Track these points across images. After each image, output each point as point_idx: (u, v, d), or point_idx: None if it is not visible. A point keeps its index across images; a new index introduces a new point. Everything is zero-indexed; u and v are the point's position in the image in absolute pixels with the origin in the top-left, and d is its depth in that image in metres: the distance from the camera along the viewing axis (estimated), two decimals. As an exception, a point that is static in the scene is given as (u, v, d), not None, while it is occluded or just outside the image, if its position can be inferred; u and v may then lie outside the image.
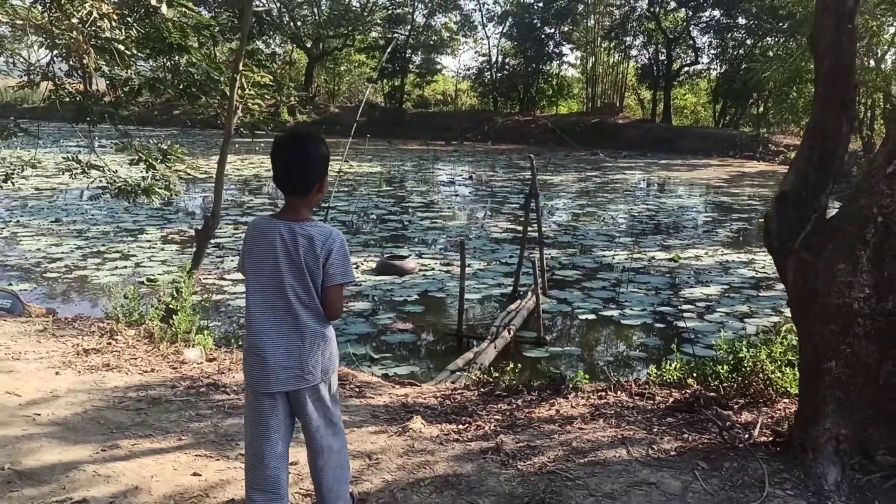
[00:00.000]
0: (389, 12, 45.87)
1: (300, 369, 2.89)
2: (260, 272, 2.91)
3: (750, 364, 4.97)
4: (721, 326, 8.93)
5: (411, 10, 46.40)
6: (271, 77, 7.41)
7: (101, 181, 7.40)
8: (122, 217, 15.73)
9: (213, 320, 8.35)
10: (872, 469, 3.46)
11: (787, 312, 9.38)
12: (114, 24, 6.60)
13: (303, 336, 2.89)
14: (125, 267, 11.38)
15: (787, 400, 4.71)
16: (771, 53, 27.75)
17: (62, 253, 12.20)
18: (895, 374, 3.48)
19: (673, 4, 41.85)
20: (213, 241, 9.80)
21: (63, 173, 7.55)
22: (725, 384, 4.96)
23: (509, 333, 8.33)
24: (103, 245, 12.86)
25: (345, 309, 6.74)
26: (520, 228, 14.14)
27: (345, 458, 3.12)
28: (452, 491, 3.45)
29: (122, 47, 6.71)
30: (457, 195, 22.18)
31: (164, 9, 6.73)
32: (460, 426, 4.31)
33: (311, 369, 2.90)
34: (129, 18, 6.87)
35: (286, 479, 3.02)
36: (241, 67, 6.87)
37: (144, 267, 11.38)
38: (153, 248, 12.85)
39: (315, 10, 45.10)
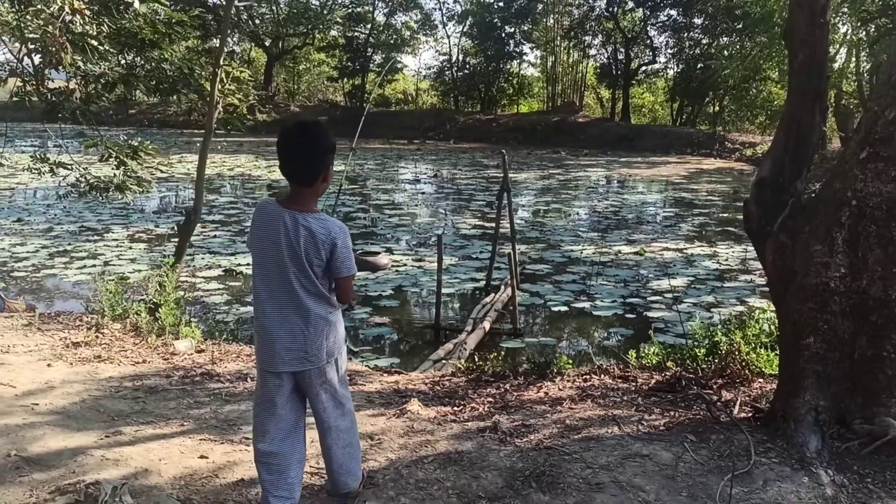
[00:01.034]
0: (349, 10, 45.81)
1: (304, 351, 2.99)
2: (264, 258, 3.00)
3: (725, 347, 5.18)
4: (690, 316, 9.18)
5: (371, 9, 46.41)
6: (250, 73, 7.44)
7: (71, 178, 7.32)
8: (86, 216, 15.51)
9: (193, 316, 8.34)
10: (850, 437, 3.68)
11: (752, 302, 9.74)
12: (86, 19, 6.57)
13: (307, 320, 2.98)
14: (94, 266, 11.24)
15: (762, 380, 4.93)
16: (727, 52, 28.42)
17: (28, 252, 12.00)
18: (869, 349, 3.71)
19: (631, 4, 42.61)
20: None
21: (32, 172, 7.44)
22: (703, 366, 5.17)
23: (489, 323, 8.49)
24: (69, 244, 12.68)
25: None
26: (487, 225, 14.38)
27: (354, 437, 3.22)
28: (455, 467, 3.58)
29: (95, 42, 6.69)
30: (422, 193, 22.29)
31: (136, 4, 6.73)
32: (455, 408, 4.45)
33: (316, 352, 3.01)
34: (94, 7, 6.82)
35: (295, 455, 3.08)
36: (221, 62, 6.90)
37: (113, 265, 11.26)
38: (120, 246, 12.72)
39: (274, 7, 44.81)
